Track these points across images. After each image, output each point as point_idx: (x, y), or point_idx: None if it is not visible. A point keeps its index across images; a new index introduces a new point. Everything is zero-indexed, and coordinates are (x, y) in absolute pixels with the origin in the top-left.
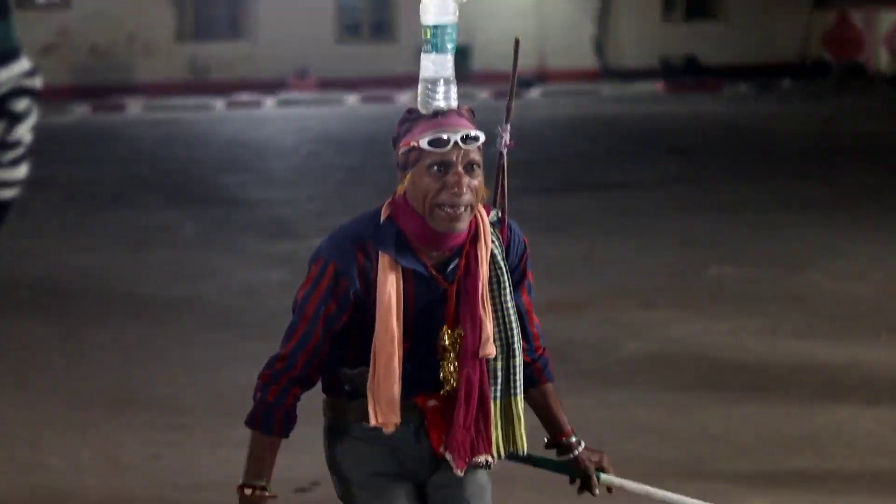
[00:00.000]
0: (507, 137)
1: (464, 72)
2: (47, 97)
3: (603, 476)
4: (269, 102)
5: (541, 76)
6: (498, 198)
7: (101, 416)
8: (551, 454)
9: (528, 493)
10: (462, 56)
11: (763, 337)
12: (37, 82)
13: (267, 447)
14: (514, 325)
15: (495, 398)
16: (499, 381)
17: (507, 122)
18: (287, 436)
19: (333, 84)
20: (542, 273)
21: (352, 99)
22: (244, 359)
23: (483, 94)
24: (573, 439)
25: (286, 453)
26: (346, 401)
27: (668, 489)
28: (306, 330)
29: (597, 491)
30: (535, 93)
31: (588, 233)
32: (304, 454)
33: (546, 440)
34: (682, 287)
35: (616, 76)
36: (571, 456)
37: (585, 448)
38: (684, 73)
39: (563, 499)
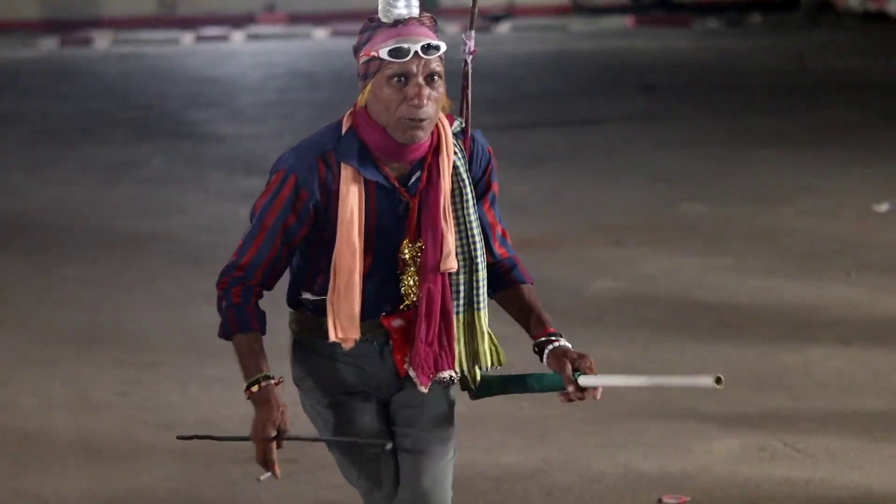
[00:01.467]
0: (471, 45)
1: (433, 6)
2: (15, 30)
3: (581, 378)
4: (238, 36)
5: (510, 11)
6: (463, 108)
7: (71, 353)
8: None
9: (497, 434)
10: None
11: (733, 275)
12: None
13: (252, 343)
14: (476, 237)
15: (458, 312)
16: (461, 295)
17: (471, 28)
18: (265, 332)
19: (303, 18)
20: (512, 210)
21: (321, 33)
22: (213, 295)
23: (453, 29)
24: (554, 337)
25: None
26: (310, 315)
27: (636, 429)
28: (265, 241)
29: (572, 392)
30: (504, 27)
31: (557, 170)
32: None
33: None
34: (652, 224)
35: (586, 11)
36: (550, 349)
37: (567, 347)
38: (654, 7)
39: (533, 440)
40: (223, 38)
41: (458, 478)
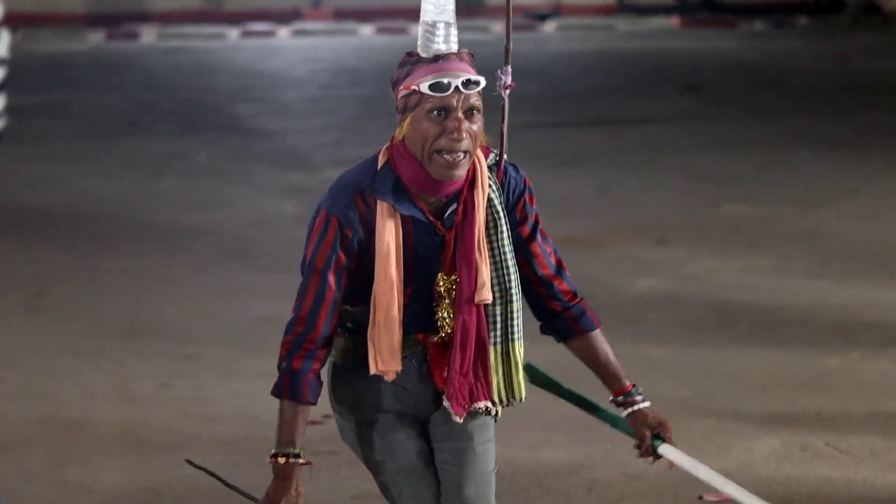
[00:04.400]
0: (507, 79)
1: (477, 5)
2: (62, 24)
3: (661, 446)
4: (284, 32)
5: (556, 9)
6: (504, 143)
7: (115, 345)
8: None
9: (538, 430)
10: None
11: (776, 276)
12: None
13: (297, 415)
14: (511, 270)
15: (495, 344)
16: (497, 326)
17: (507, 63)
18: (315, 402)
19: (348, 14)
20: (557, 208)
21: (366, 30)
22: (257, 289)
23: (497, 27)
24: (633, 394)
25: None
26: (349, 336)
27: (680, 427)
28: (319, 285)
29: (650, 458)
30: (550, 26)
31: (602, 169)
32: None
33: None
34: (696, 224)
35: (632, 11)
36: (629, 412)
37: (648, 409)
38: (700, 8)
39: (575, 436)
40: (269, 34)
41: (499, 473)
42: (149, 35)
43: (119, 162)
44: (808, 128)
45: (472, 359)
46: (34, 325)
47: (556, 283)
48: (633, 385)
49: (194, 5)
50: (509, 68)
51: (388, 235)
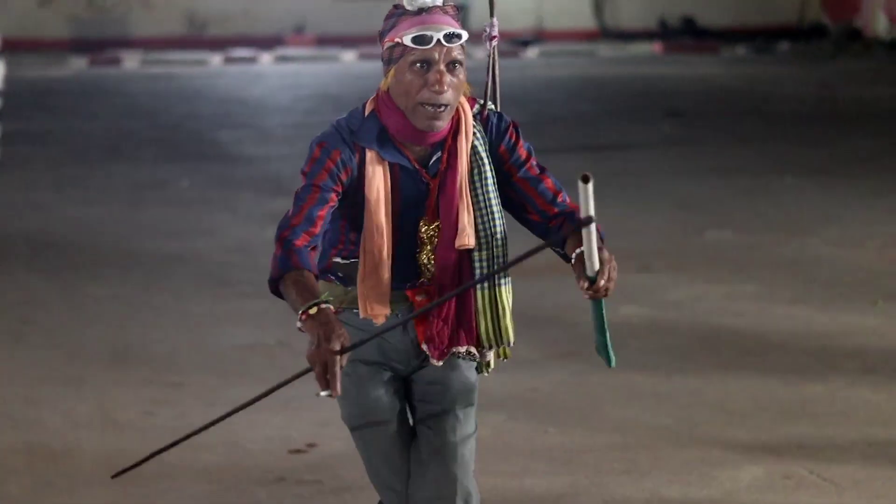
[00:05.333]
0: (493, 31)
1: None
2: (45, 50)
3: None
4: (267, 58)
5: (538, 35)
6: (488, 92)
7: (98, 373)
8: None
9: (521, 459)
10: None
11: (759, 302)
12: None
13: (307, 279)
14: (496, 215)
15: (482, 289)
16: (483, 271)
17: (492, 15)
18: (318, 275)
19: (331, 40)
20: None
21: (349, 55)
22: (240, 317)
23: (480, 54)
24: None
25: (282, 414)
26: (339, 285)
27: (661, 455)
28: (320, 194)
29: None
30: (532, 52)
31: None
32: (299, 414)
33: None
34: (678, 251)
35: (614, 37)
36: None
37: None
38: (682, 34)
39: (558, 465)
40: (251, 60)
41: (482, 502)
42: (131, 61)
43: (102, 189)
44: (790, 154)
45: (454, 303)
46: (17, 353)
47: (553, 206)
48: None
49: (177, 31)
50: (495, 20)
51: (378, 182)
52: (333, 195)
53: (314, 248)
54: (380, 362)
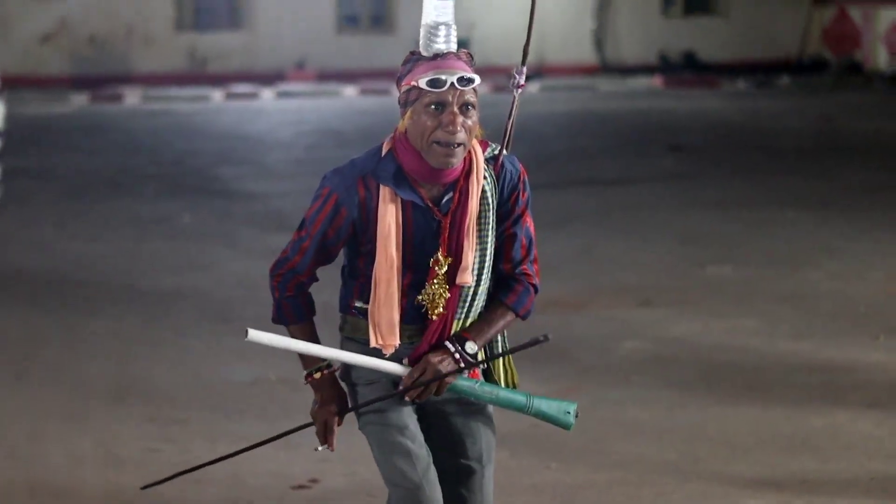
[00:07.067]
0: (520, 79)
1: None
2: (46, 86)
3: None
4: (268, 94)
5: (539, 70)
6: (506, 139)
7: (100, 408)
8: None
9: (525, 495)
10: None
11: (761, 337)
12: None
13: (308, 331)
14: (489, 256)
15: (458, 318)
16: (466, 304)
17: (522, 64)
18: (315, 313)
19: (332, 76)
20: (541, 269)
21: (350, 91)
22: (241, 352)
23: (482, 90)
24: (465, 345)
25: (284, 450)
26: (361, 318)
27: (663, 490)
28: (310, 247)
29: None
30: (533, 87)
31: (586, 229)
32: (301, 450)
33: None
34: (680, 285)
35: (615, 71)
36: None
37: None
38: (683, 68)
39: (560, 501)
40: (253, 96)
41: None
42: (132, 97)
43: (103, 225)
44: (791, 187)
45: (446, 332)
46: (19, 389)
47: (510, 267)
48: (470, 336)
49: (178, 67)
50: (524, 69)
51: (390, 217)
52: (320, 242)
53: (309, 285)
54: (394, 381)
